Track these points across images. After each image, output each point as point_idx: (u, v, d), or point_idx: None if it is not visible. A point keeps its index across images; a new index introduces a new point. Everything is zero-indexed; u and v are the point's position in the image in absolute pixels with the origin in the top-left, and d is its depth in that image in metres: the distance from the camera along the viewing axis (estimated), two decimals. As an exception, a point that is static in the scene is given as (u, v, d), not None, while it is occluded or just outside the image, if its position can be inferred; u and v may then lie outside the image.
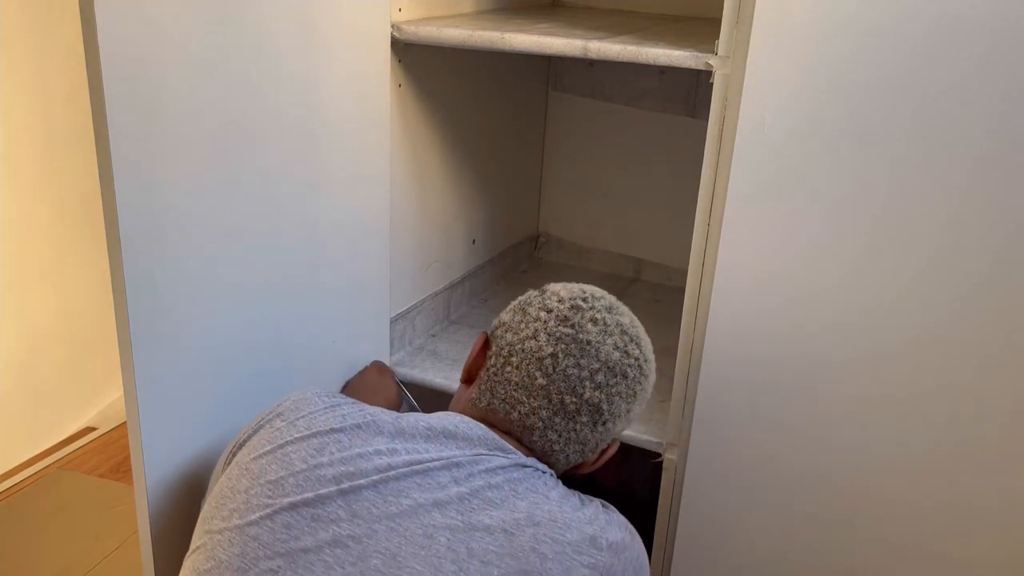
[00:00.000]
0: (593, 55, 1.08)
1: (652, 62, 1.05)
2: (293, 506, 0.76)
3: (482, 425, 0.85)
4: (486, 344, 0.92)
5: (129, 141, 0.82)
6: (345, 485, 0.77)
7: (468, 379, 0.94)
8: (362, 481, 0.77)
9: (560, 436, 0.87)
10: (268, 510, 0.76)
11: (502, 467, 0.81)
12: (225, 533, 0.77)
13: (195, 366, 0.96)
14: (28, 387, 1.99)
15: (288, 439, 0.82)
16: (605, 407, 0.86)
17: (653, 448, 1.18)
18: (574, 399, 0.85)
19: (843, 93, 0.93)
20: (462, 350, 1.40)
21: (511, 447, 0.84)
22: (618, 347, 0.87)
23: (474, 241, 1.58)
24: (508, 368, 0.88)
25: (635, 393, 0.89)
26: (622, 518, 0.86)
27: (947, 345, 0.97)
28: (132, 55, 0.81)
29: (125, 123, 0.81)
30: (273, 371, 1.08)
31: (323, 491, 0.76)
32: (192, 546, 0.82)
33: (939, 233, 0.94)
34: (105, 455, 2.03)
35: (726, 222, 1.02)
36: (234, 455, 0.86)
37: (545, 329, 0.87)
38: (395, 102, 1.24)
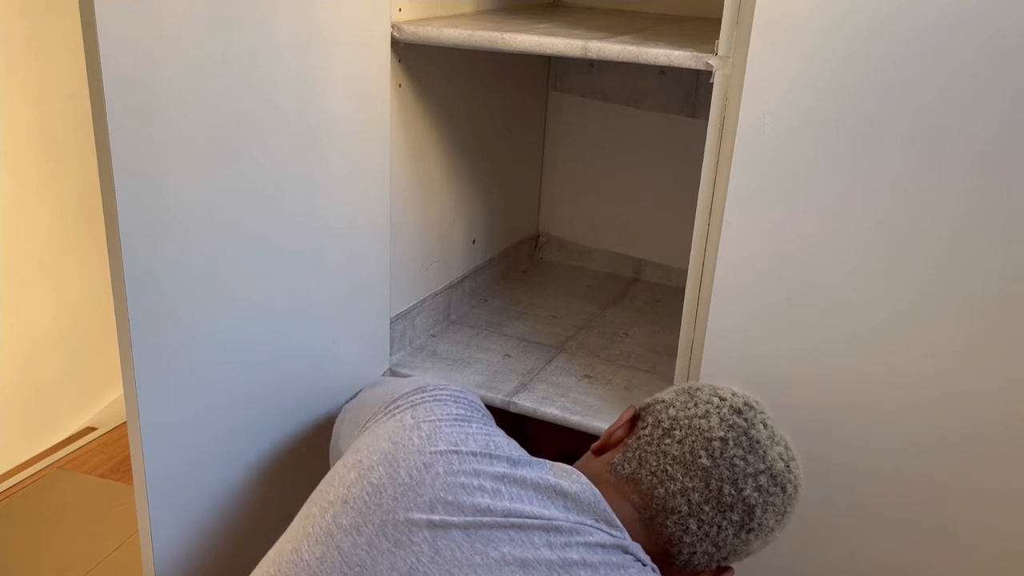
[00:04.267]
0: (593, 55, 1.08)
1: (652, 62, 1.05)
2: (383, 525, 0.74)
3: (596, 491, 0.79)
4: (634, 418, 0.88)
5: (129, 141, 0.82)
6: (437, 519, 0.74)
7: (601, 449, 0.88)
8: (455, 519, 0.74)
9: (701, 527, 0.80)
10: (359, 518, 0.75)
11: (603, 545, 0.75)
12: (318, 527, 0.77)
13: (195, 366, 0.96)
14: (28, 387, 1.99)
15: (406, 442, 0.80)
16: (758, 512, 0.81)
17: (653, 448, 1.17)
18: (733, 492, 0.80)
19: (843, 93, 0.93)
20: (462, 350, 1.40)
21: (619, 523, 0.78)
22: (783, 458, 0.83)
23: (474, 241, 1.58)
24: (668, 440, 0.83)
25: (785, 513, 0.84)
26: None
27: (948, 343, 0.97)
28: (132, 55, 0.81)
29: (125, 123, 0.81)
30: (273, 370, 1.08)
31: (414, 516, 0.74)
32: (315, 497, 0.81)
33: (939, 232, 0.94)
34: (105, 455, 2.03)
35: (726, 222, 1.02)
36: (369, 423, 0.87)
37: (719, 413, 0.84)
38: (395, 102, 1.23)
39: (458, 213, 1.50)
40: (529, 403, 1.24)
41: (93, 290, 2.04)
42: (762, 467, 0.81)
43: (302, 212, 1.08)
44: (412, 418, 0.84)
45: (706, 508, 0.80)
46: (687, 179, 1.17)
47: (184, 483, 0.98)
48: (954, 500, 1.02)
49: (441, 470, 0.76)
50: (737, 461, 0.81)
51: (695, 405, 0.85)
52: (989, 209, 0.91)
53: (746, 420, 0.83)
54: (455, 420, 0.83)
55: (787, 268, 1.01)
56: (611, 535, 0.76)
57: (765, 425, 0.84)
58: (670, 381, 1.13)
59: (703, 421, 0.83)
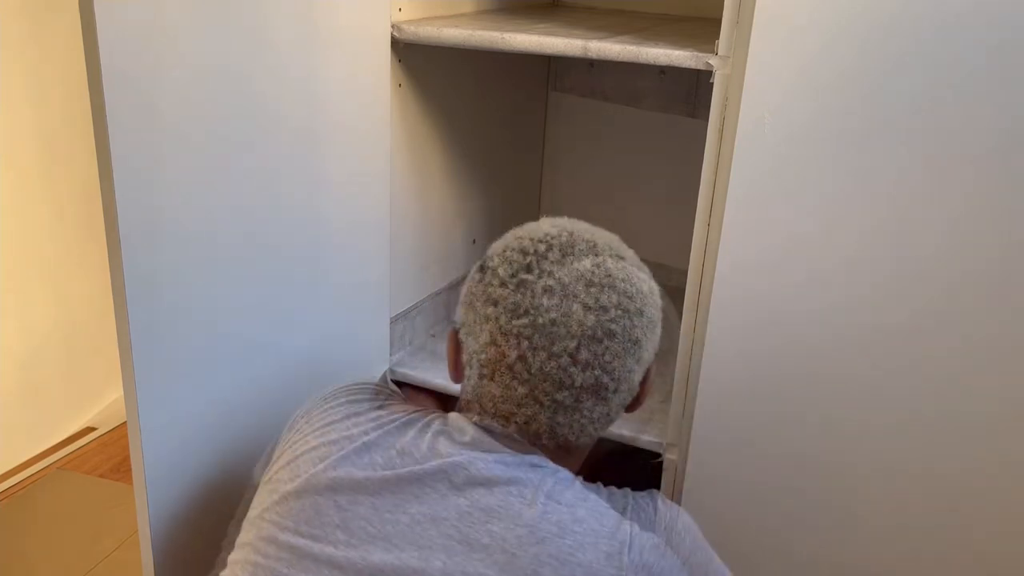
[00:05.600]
0: (593, 55, 1.08)
1: (652, 62, 1.05)
2: (296, 525, 0.73)
3: (479, 429, 0.76)
4: (458, 346, 0.81)
5: (129, 141, 0.82)
6: (343, 505, 0.73)
7: (459, 379, 0.84)
8: (360, 497, 0.72)
9: (572, 429, 0.75)
10: (274, 530, 0.75)
11: (505, 465, 0.72)
12: (241, 550, 0.77)
13: (195, 366, 0.96)
14: (28, 387, 1.98)
15: (301, 443, 0.80)
16: (607, 379, 0.74)
17: (653, 448, 1.18)
18: (567, 393, 0.73)
19: (843, 92, 0.93)
20: (462, 350, 1.40)
21: (508, 450, 0.75)
22: (588, 307, 0.73)
23: (474, 241, 1.58)
24: (485, 381, 0.76)
25: (636, 339, 0.75)
26: (665, 513, 0.75)
27: (948, 343, 0.97)
28: (132, 55, 0.81)
29: (125, 123, 0.81)
30: (273, 370, 1.08)
31: (321, 504, 0.73)
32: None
33: (939, 233, 0.94)
34: (105, 455, 2.03)
35: (726, 222, 1.02)
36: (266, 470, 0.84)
37: (500, 329, 0.74)
38: (395, 102, 1.23)
39: (458, 213, 1.50)
40: (529, 403, 1.24)
41: (93, 290, 2.04)
42: (573, 344, 0.72)
43: (302, 212, 1.08)
44: (307, 422, 0.82)
45: (560, 418, 0.75)
46: (687, 179, 1.17)
47: (184, 483, 0.98)
48: (955, 499, 1.02)
49: (336, 459, 0.75)
50: (547, 366, 0.72)
51: (480, 329, 0.76)
52: (989, 209, 0.91)
53: (527, 312, 0.73)
54: (348, 404, 0.82)
55: (787, 268, 1.01)
56: (514, 456, 0.74)
57: (549, 292, 0.73)
58: (670, 381, 1.13)
59: (493, 350, 0.74)
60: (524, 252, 0.77)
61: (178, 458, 0.96)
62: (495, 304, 0.75)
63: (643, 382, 0.80)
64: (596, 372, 0.73)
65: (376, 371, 1.31)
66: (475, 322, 0.77)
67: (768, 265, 1.01)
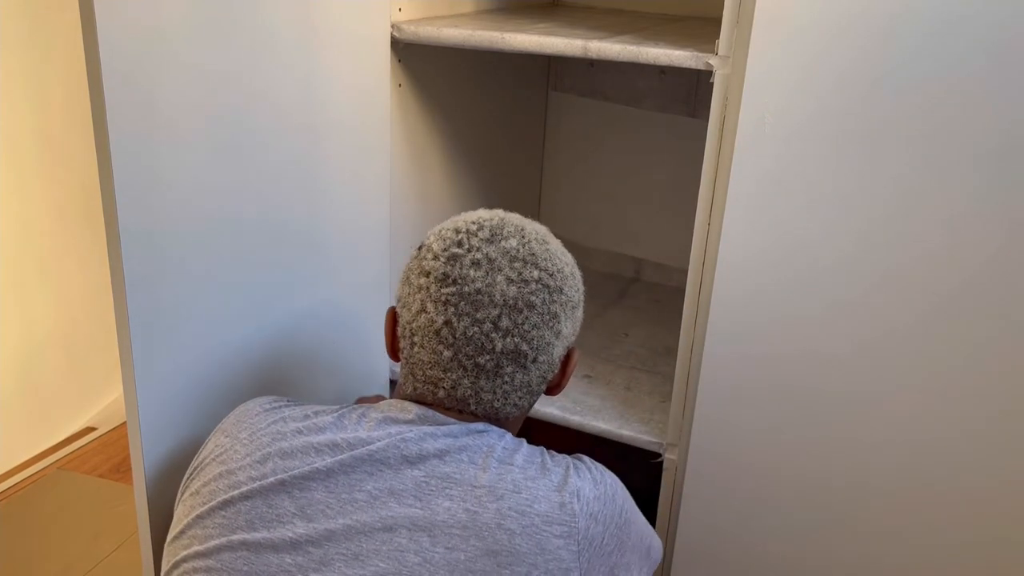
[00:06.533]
0: (593, 55, 1.08)
1: (652, 62, 1.05)
2: (249, 523, 0.73)
3: (421, 406, 0.80)
4: (395, 321, 0.86)
5: (129, 141, 0.82)
6: (297, 495, 0.74)
7: (395, 355, 0.88)
8: (313, 484, 0.74)
9: (496, 395, 0.80)
10: (226, 532, 0.74)
11: (454, 436, 0.76)
12: (190, 561, 0.75)
13: (195, 366, 0.96)
14: (28, 387, 1.98)
15: (231, 455, 0.79)
16: (525, 347, 0.79)
17: (653, 448, 1.18)
18: (488, 357, 0.78)
19: (843, 92, 0.93)
20: (462, 350, 1.40)
21: (455, 420, 0.80)
22: (511, 280, 0.78)
23: (474, 241, 1.58)
24: (415, 349, 0.81)
25: (554, 313, 0.80)
26: (597, 472, 0.80)
27: (949, 342, 0.97)
28: (132, 56, 0.81)
29: (125, 123, 0.81)
30: (273, 370, 1.08)
31: (274, 499, 0.74)
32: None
33: (940, 232, 0.94)
34: (105, 455, 2.03)
35: (726, 222, 1.02)
36: (187, 487, 0.83)
37: (430, 297, 0.79)
38: (395, 102, 1.23)
39: (458, 213, 1.50)
40: (529, 403, 1.24)
41: (93, 290, 2.04)
42: (495, 312, 0.77)
43: (302, 212, 1.08)
44: (226, 436, 0.82)
45: (483, 383, 0.79)
46: (687, 179, 1.17)
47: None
48: (956, 500, 1.02)
49: (277, 459, 0.76)
50: (470, 331, 0.78)
51: (412, 298, 0.81)
52: (991, 210, 0.91)
53: (455, 282, 0.78)
54: (266, 412, 0.82)
55: (787, 268, 1.01)
56: (458, 426, 0.78)
57: (476, 264, 0.79)
58: (670, 381, 1.13)
59: (424, 316, 0.79)
60: (457, 231, 0.82)
61: (178, 458, 0.96)
62: (427, 275, 0.80)
63: (564, 363, 0.85)
64: (516, 339, 0.78)
65: (377, 371, 1.31)
66: (409, 294, 0.82)
67: (768, 265, 1.01)
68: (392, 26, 1.19)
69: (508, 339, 0.78)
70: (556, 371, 0.84)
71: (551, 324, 0.80)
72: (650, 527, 0.86)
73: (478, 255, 0.79)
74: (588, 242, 1.79)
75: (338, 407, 0.82)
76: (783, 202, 0.99)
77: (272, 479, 0.75)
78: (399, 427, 0.77)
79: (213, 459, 0.81)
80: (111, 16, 0.77)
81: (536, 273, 0.79)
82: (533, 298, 0.79)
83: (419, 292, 0.81)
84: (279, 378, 1.09)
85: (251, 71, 0.95)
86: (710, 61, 1.00)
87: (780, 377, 1.05)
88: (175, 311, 0.92)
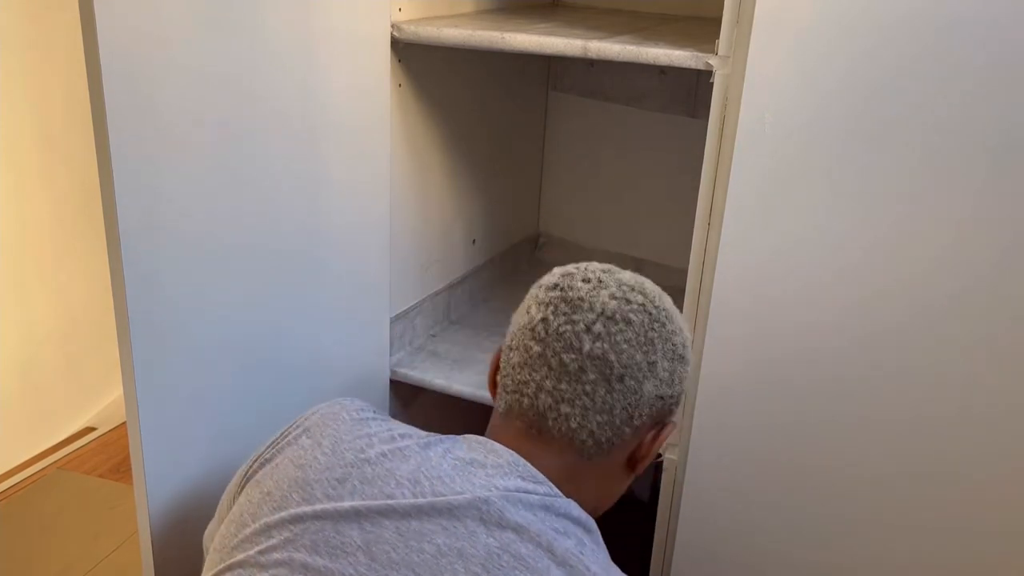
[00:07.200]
0: (593, 55, 1.08)
1: (652, 62, 1.05)
2: (314, 546, 0.71)
3: (510, 449, 0.77)
4: (499, 362, 0.85)
5: (129, 141, 0.82)
6: (367, 526, 0.71)
7: (492, 392, 0.87)
8: (386, 522, 0.71)
9: (574, 407, 0.77)
10: (289, 546, 0.72)
11: (534, 508, 0.73)
12: (247, 568, 0.73)
13: (195, 366, 0.96)
14: (28, 387, 1.98)
15: (312, 462, 0.77)
16: (613, 358, 0.77)
17: (653, 448, 1.17)
18: (574, 356, 0.77)
19: (844, 92, 0.93)
20: (462, 351, 1.40)
21: (541, 476, 0.76)
22: (615, 296, 0.79)
23: (474, 241, 1.58)
24: (510, 354, 0.81)
25: (651, 341, 0.78)
26: None
27: (949, 343, 0.97)
28: (132, 56, 0.81)
29: (125, 123, 0.81)
30: (273, 371, 1.08)
31: (343, 528, 0.71)
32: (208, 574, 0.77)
33: (941, 232, 0.94)
34: (105, 455, 2.03)
35: (726, 222, 1.02)
36: (255, 473, 0.81)
37: (536, 300, 0.81)
38: (395, 102, 1.23)
39: (458, 213, 1.50)
40: (529, 403, 1.24)
41: (93, 290, 2.04)
42: (592, 317, 0.78)
43: (302, 212, 1.08)
44: (309, 438, 0.81)
45: (563, 386, 0.77)
46: (687, 179, 1.17)
47: (184, 483, 0.98)
48: (957, 502, 1.02)
49: (356, 482, 0.74)
50: (563, 328, 0.78)
51: (521, 308, 0.83)
52: (994, 211, 0.91)
53: (563, 288, 0.80)
54: (353, 423, 0.81)
55: (787, 268, 1.01)
56: (537, 491, 0.74)
57: (587, 280, 0.81)
58: (670, 381, 1.13)
59: (525, 317, 0.81)
60: (578, 263, 0.85)
61: (178, 458, 0.96)
62: (539, 286, 0.83)
63: (656, 432, 0.82)
64: (605, 346, 0.77)
65: (377, 371, 1.31)
66: (518, 313, 0.83)
67: (768, 265, 1.01)
68: (392, 26, 1.19)
69: (598, 343, 0.77)
70: (643, 419, 0.80)
71: (645, 349, 0.78)
72: None
73: (590, 275, 0.81)
74: (588, 242, 1.79)
75: (426, 434, 0.80)
76: (783, 202, 0.99)
77: (348, 504, 0.73)
78: (484, 476, 0.74)
79: (291, 460, 0.79)
80: (111, 16, 0.77)
81: (641, 298, 0.80)
82: (632, 316, 0.78)
83: (528, 299, 0.83)
84: (279, 378, 1.09)
85: (251, 71, 0.95)
86: (710, 61, 1.00)
87: (780, 377, 1.05)
88: (175, 311, 0.92)
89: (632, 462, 0.83)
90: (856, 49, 0.91)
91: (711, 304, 1.05)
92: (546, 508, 0.74)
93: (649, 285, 0.83)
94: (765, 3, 0.92)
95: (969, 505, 1.02)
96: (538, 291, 0.82)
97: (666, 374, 0.80)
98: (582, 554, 0.72)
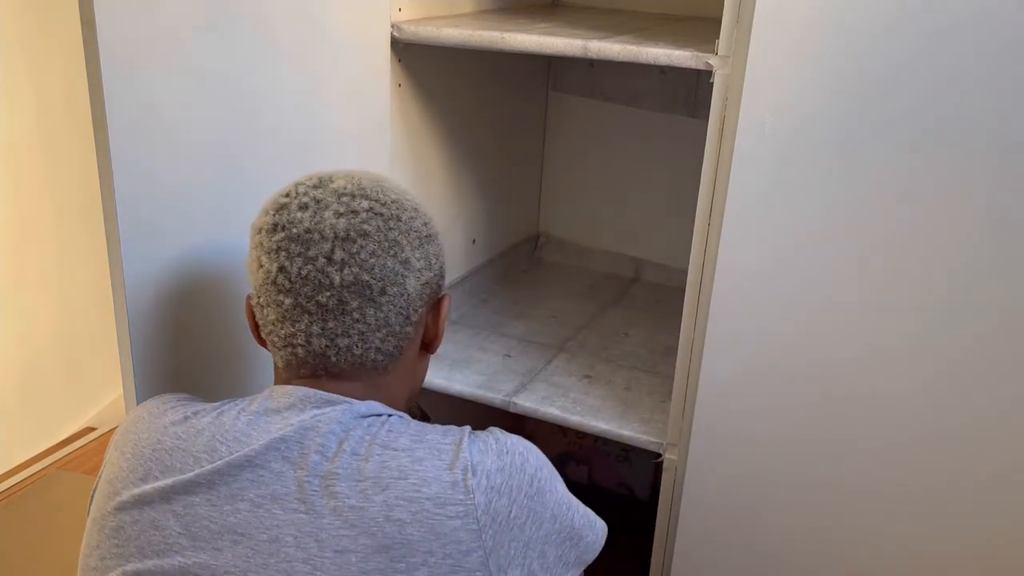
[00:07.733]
0: (593, 55, 1.08)
1: (652, 62, 1.05)
2: (134, 522, 0.72)
3: (295, 387, 0.76)
4: (251, 306, 0.82)
5: (129, 142, 0.82)
6: (180, 512, 0.70)
7: (260, 339, 0.83)
8: (195, 498, 0.70)
9: (351, 337, 0.75)
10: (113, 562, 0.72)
11: (335, 423, 0.72)
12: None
13: (194, 366, 0.96)
14: (28, 387, 1.98)
15: (118, 473, 0.76)
16: (367, 277, 0.75)
17: (653, 448, 1.18)
18: (328, 293, 0.74)
19: (844, 93, 0.93)
20: (462, 350, 1.40)
21: (336, 397, 0.75)
22: (340, 213, 0.76)
23: (474, 241, 1.58)
24: (264, 311, 0.77)
25: (394, 240, 0.77)
26: (505, 442, 0.74)
27: (950, 344, 0.97)
28: (132, 56, 0.81)
29: (125, 124, 0.81)
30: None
31: (160, 520, 0.71)
32: None
33: (941, 232, 0.94)
34: (105, 455, 2.03)
35: (726, 222, 1.02)
36: (90, 511, 0.80)
37: (262, 248, 0.76)
38: (395, 102, 1.23)
39: (458, 213, 1.50)
40: (529, 403, 1.24)
41: (93, 290, 2.04)
42: (327, 247, 0.74)
43: (302, 212, 1.08)
44: (116, 451, 0.79)
45: (332, 325, 0.75)
46: (687, 179, 1.17)
47: (184, 483, 0.98)
48: (959, 503, 1.02)
49: (158, 473, 0.73)
50: (304, 270, 0.74)
51: (249, 261, 0.79)
52: (995, 211, 0.91)
53: (283, 227, 0.76)
54: (152, 419, 0.78)
55: (787, 268, 1.01)
56: (337, 409, 0.73)
57: (303, 207, 0.76)
58: (670, 381, 1.13)
59: (261, 272, 0.77)
60: (286, 190, 0.80)
61: (178, 458, 0.96)
62: (259, 231, 0.78)
63: (435, 310, 0.82)
64: (354, 270, 0.75)
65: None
66: (249, 263, 0.79)
67: (769, 265, 1.01)
68: (392, 26, 1.19)
69: (346, 270, 0.74)
70: (419, 312, 0.79)
71: (393, 252, 0.76)
72: (587, 513, 0.80)
73: (305, 199, 0.77)
74: (588, 242, 1.79)
75: (220, 403, 0.78)
76: (783, 202, 0.99)
77: (156, 498, 0.72)
78: (279, 420, 0.73)
79: (106, 480, 0.78)
80: (111, 17, 0.77)
81: (366, 203, 0.77)
82: (365, 227, 0.76)
83: (254, 251, 0.78)
84: (279, 378, 1.09)
85: (251, 71, 0.95)
86: (710, 61, 1.00)
87: (780, 377, 1.05)
88: (175, 311, 0.92)
89: (425, 346, 0.83)
90: (856, 49, 0.91)
91: (711, 304, 1.05)
92: (351, 419, 0.73)
93: (366, 181, 0.80)
94: (765, 3, 0.92)
95: (970, 505, 1.02)
96: (260, 237, 0.77)
97: (422, 262, 0.79)
98: (388, 433, 0.72)
